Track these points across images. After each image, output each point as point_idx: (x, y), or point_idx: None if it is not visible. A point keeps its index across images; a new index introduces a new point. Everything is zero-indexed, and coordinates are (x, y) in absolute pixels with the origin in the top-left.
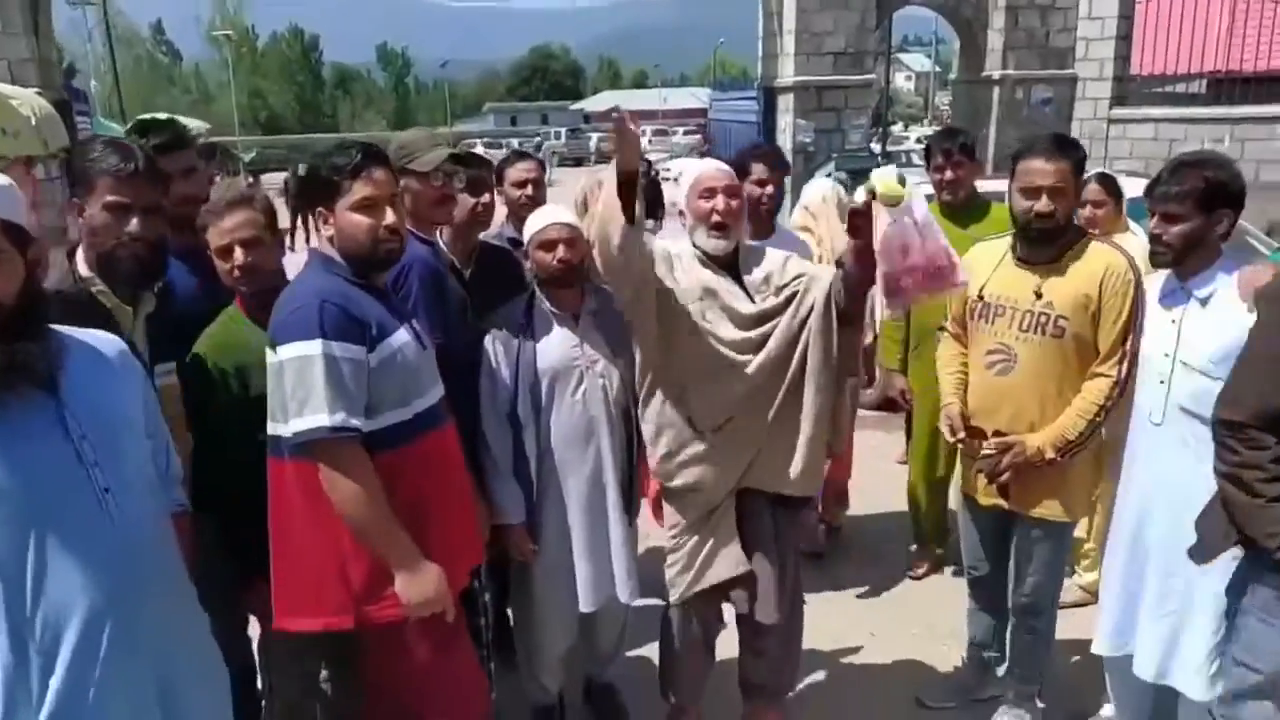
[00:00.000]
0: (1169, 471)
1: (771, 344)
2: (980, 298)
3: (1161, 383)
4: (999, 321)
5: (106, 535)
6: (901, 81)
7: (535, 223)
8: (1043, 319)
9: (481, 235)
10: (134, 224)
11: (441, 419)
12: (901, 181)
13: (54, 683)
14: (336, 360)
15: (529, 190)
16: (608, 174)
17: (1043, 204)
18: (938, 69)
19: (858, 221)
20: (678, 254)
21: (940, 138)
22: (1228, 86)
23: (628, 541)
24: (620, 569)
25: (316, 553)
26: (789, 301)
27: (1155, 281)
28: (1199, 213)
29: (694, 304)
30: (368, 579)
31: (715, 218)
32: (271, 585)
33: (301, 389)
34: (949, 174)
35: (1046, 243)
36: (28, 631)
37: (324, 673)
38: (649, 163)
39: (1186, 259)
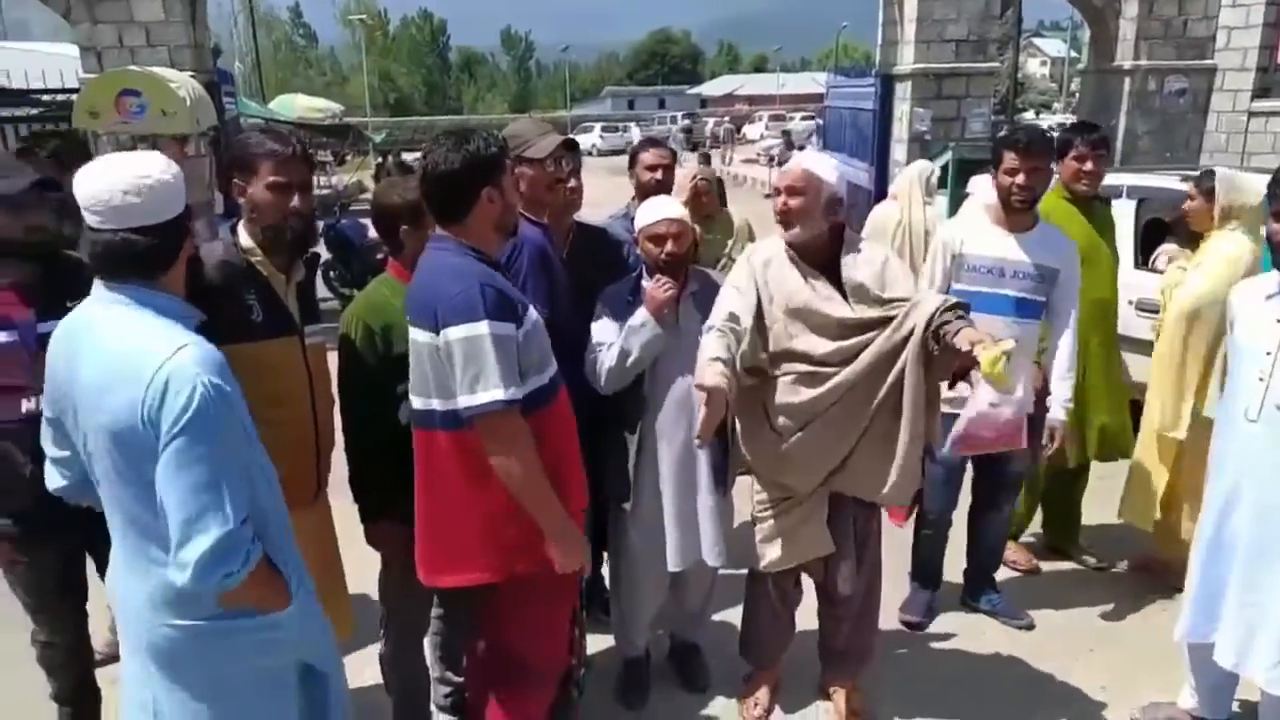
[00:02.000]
0: (1261, 467)
1: (863, 359)
2: None
3: (1260, 380)
4: None
5: None
6: (1035, 67)
7: (646, 216)
8: None
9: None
10: (295, 200)
11: (561, 384)
12: (1008, 359)
13: None
14: (501, 338)
15: (659, 175)
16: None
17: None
18: (1074, 55)
19: (957, 368)
20: (767, 259)
21: (1077, 130)
22: None
23: (718, 510)
24: (708, 534)
25: (468, 516)
26: (887, 320)
27: (1258, 281)
28: None
29: (778, 323)
30: (515, 540)
31: (778, 210)
32: (419, 546)
33: (473, 366)
34: (1089, 165)
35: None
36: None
37: (436, 610)
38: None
39: None
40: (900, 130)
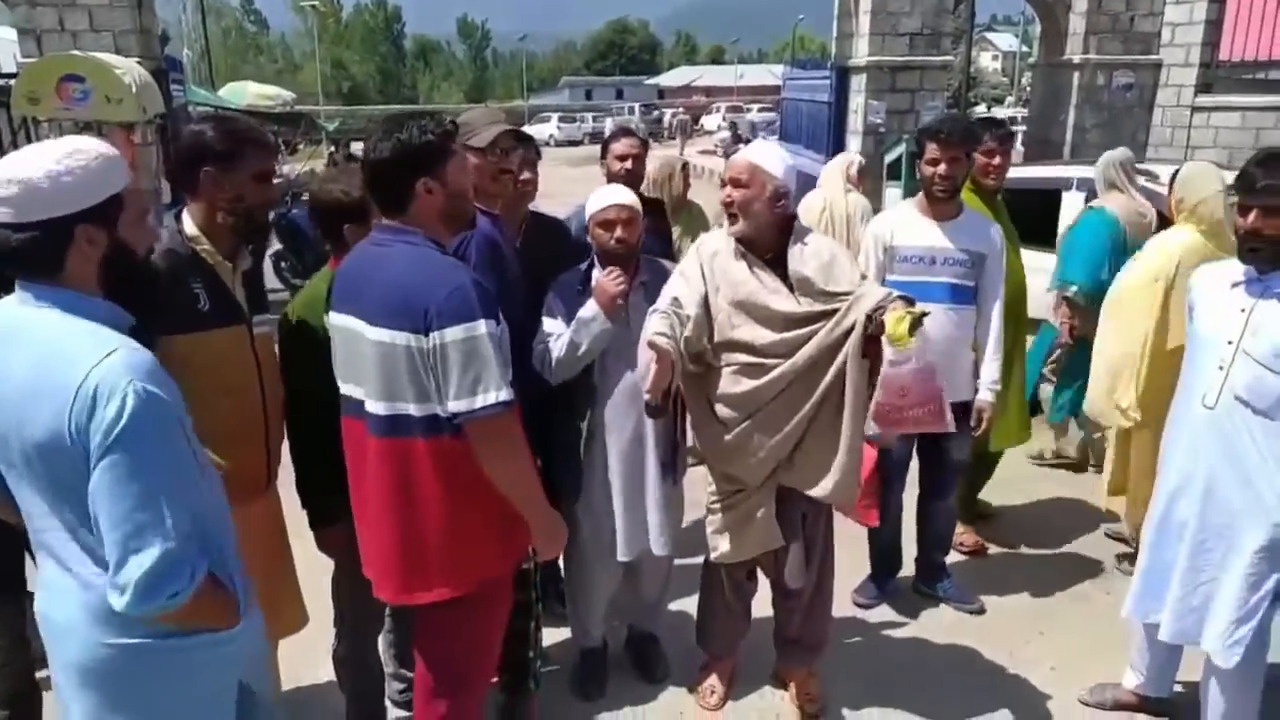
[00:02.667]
0: (1216, 454)
1: (804, 351)
2: None
3: (1220, 368)
4: None
5: None
6: (988, 61)
7: (596, 202)
8: None
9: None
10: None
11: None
12: (915, 326)
13: None
14: (495, 338)
15: (628, 164)
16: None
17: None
18: (1024, 49)
19: (869, 348)
20: (715, 250)
21: (985, 125)
22: None
23: (666, 499)
24: (655, 524)
25: (447, 529)
26: (830, 314)
27: (1220, 269)
28: None
29: (723, 313)
30: (486, 550)
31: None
32: (382, 565)
33: (474, 368)
34: (996, 160)
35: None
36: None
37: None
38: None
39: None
40: (855, 122)
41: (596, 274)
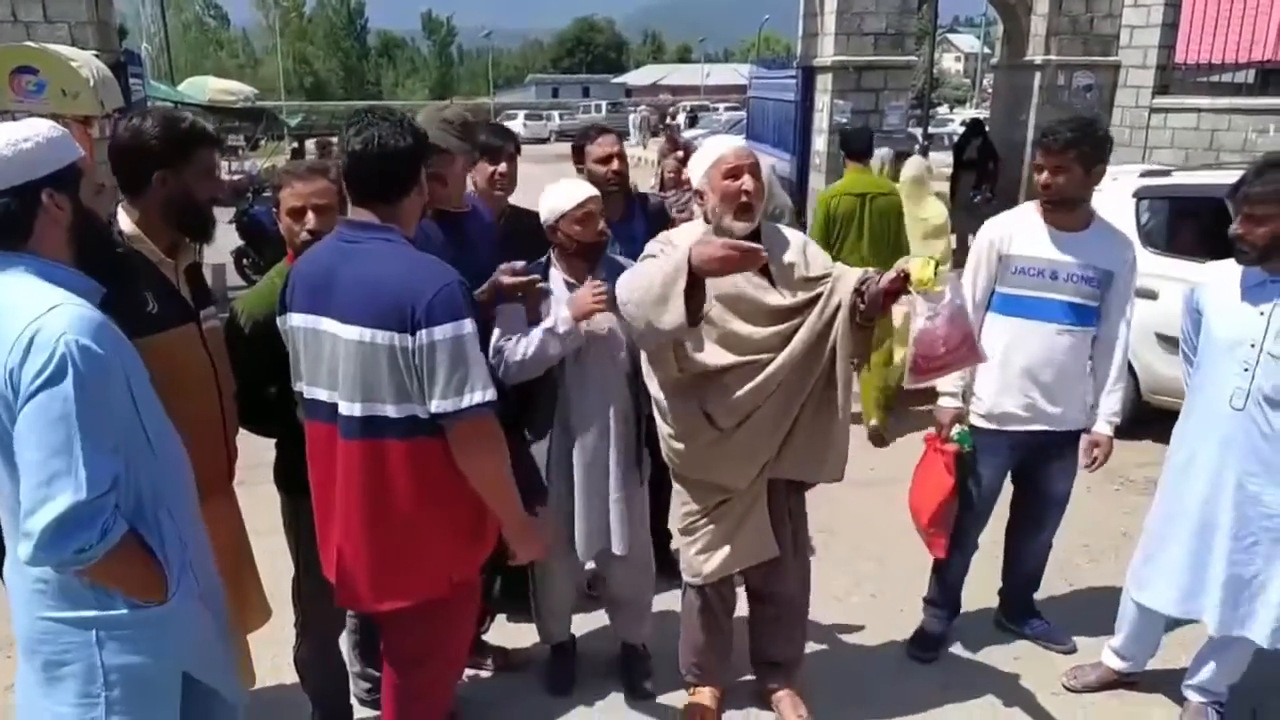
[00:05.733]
0: (1246, 452)
1: (796, 341)
2: None
3: (1246, 370)
4: None
5: None
6: (950, 63)
7: (565, 199)
8: None
9: None
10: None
11: None
12: (936, 267)
13: None
14: (477, 337)
15: (614, 165)
16: (664, 268)
17: None
18: (987, 51)
19: (887, 303)
20: (691, 245)
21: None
22: (1276, 77)
23: (628, 500)
24: (617, 524)
25: (423, 531)
26: (814, 300)
27: (1227, 273)
28: None
29: (713, 309)
30: (460, 550)
31: (744, 199)
32: (353, 571)
33: (461, 367)
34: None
35: None
36: None
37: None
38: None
39: (1271, 257)
40: (821, 121)
41: (556, 273)
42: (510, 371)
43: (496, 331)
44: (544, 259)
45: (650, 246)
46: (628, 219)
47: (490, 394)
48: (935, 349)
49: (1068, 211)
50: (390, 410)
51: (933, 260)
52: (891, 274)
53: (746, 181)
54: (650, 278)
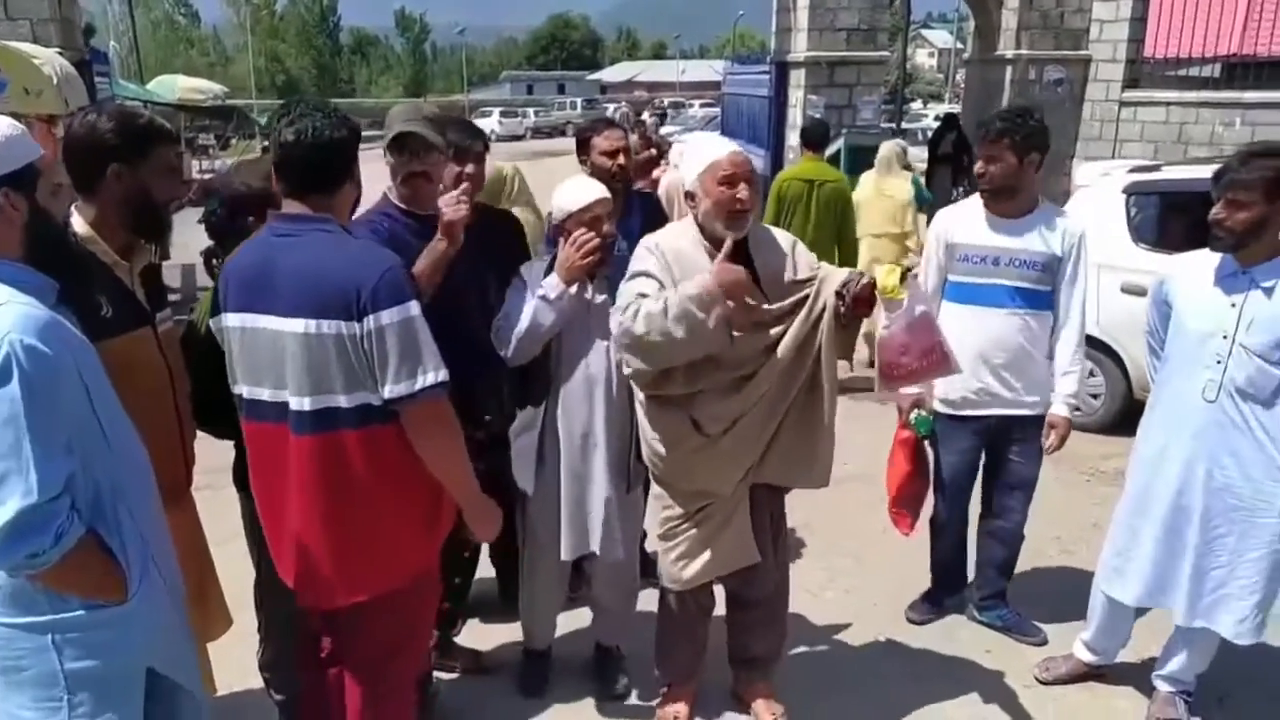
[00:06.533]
0: (1218, 442)
1: (783, 346)
2: None
3: (1218, 362)
4: None
5: None
6: (924, 58)
7: (573, 199)
8: None
9: None
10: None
11: None
12: (903, 276)
13: None
14: (423, 318)
15: (620, 160)
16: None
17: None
18: (959, 46)
19: (859, 310)
20: (677, 249)
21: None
22: (1241, 71)
23: (614, 502)
24: (600, 525)
25: (381, 522)
26: (800, 303)
27: (1199, 262)
28: (1266, 201)
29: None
30: (419, 539)
31: (738, 207)
32: (308, 567)
33: (411, 350)
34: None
35: None
36: None
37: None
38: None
39: (1246, 244)
40: (794, 117)
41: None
42: (514, 348)
43: (506, 299)
44: (550, 256)
45: (642, 245)
46: (626, 214)
47: (442, 374)
48: (898, 357)
49: (1007, 200)
50: (342, 400)
51: (899, 268)
52: (865, 280)
53: (742, 190)
54: (679, 308)
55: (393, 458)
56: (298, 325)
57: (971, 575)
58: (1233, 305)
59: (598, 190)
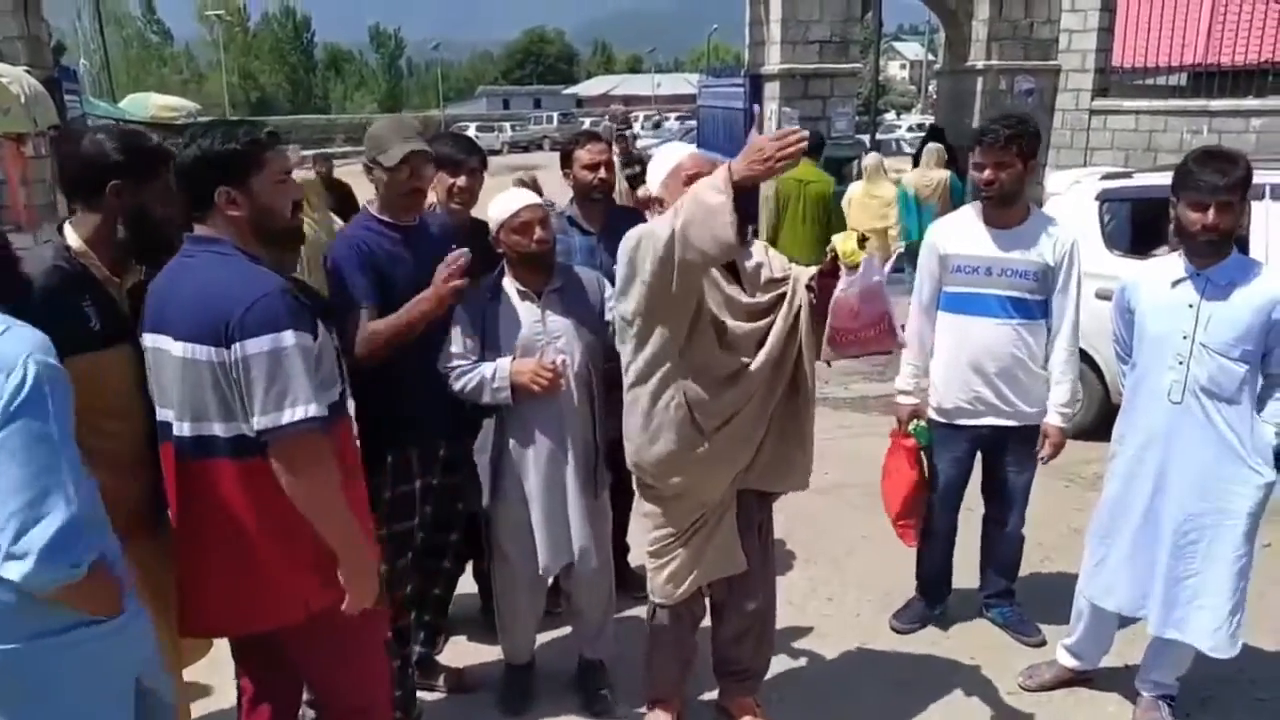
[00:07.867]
0: (1189, 445)
1: (772, 339)
2: None
3: (1181, 363)
4: None
5: None
6: (896, 70)
7: (503, 208)
8: None
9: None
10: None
11: (346, 401)
12: (862, 243)
13: None
14: (304, 350)
15: (601, 174)
16: (712, 181)
17: None
18: (931, 58)
19: (823, 283)
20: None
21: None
22: (1206, 80)
23: (587, 511)
24: (578, 536)
25: (266, 554)
26: (780, 299)
27: (1159, 267)
28: (1242, 203)
29: (706, 301)
30: (304, 581)
31: None
32: (190, 597)
33: (279, 382)
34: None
35: None
36: None
37: None
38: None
39: (1203, 252)
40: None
41: (509, 282)
42: (458, 394)
43: (454, 331)
44: (496, 271)
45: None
46: (612, 230)
47: (314, 409)
48: (848, 321)
49: (1007, 207)
50: (218, 429)
51: (855, 233)
52: (829, 255)
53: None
54: (697, 197)
55: (271, 495)
56: (179, 348)
57: (966, 583)
58: (1190, 305)
59: (524, 198)
